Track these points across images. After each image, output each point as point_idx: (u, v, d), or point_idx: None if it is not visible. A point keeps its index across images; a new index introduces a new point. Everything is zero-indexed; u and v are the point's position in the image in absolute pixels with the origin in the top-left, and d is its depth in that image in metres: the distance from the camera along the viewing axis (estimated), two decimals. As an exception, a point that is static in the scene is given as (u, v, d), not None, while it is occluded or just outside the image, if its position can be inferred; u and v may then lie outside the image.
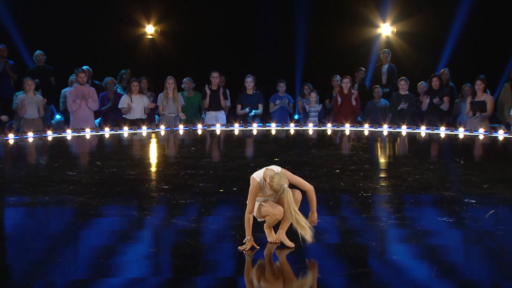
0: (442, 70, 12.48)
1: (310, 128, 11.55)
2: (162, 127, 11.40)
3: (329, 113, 12.47)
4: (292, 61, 14.52)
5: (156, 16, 14.79)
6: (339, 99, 11.84)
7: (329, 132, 11.36)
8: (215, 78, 11.89)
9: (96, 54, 13.72)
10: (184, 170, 7.90)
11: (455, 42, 13.92)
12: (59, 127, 11.65)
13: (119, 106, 11.57)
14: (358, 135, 10.99)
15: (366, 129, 11.38)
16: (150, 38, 14.87)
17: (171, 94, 11.60)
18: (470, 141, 10.48)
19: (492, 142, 10.37)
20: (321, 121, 12.03)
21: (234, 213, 5.95)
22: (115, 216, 6.00)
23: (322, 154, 9.00)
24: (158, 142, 10.44)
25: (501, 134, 10.73)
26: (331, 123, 11.76)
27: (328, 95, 12.60)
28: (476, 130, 10.93)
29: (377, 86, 12.22)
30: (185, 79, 12.08)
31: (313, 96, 12.00)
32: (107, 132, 11.18)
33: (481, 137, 10.68)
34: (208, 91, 11.83)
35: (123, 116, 11.60)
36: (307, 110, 12.03)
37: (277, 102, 12.26)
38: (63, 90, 12.00)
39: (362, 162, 8.49)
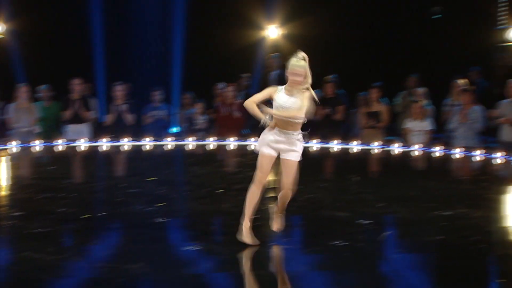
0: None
1: (190, 143, 11.54)
2: (14, 143, 11.03)
3: (213, 125, 12.55)
4: (169, 67, 14.47)
5: (8, 14, 14.25)
6: (223, 110, 11.93)
7: (211, 146, 11.39)
8: (77, 85, 11.65)
9: None
10: (42, 193, 7.66)
11: (347, 45, 14.39)
12: None
13: (-44, 119, 11.08)
14: (244, 150, 11.10)
15: (252, 143, 11.53)
16: (-1, 38, 14.33)
17: (24, 105, 11.29)
18: (365, 155, 10.86)
19: (388, 156, 10.79)
20: (208, 134, 12.09)
21: (102, 243, 5.79)
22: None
23: (204, 172, 9.00)
24: (9, 160, 10.08)
25: (397, 148, 11.20)
26: (214, 137, 11.82)
27: (211, 105, 12.67)
28: (371, 143, 11.35)
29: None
30: (41, 86, 11.79)
31: (199, 106, 12.03)
32: None
33: (376, 151, 11.10)
34: (71, 102, 11.54)
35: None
36: (193, 123, 12.04)
37: (153, 113, 12.19)
38: None
39: (249, 180, 8.53)
